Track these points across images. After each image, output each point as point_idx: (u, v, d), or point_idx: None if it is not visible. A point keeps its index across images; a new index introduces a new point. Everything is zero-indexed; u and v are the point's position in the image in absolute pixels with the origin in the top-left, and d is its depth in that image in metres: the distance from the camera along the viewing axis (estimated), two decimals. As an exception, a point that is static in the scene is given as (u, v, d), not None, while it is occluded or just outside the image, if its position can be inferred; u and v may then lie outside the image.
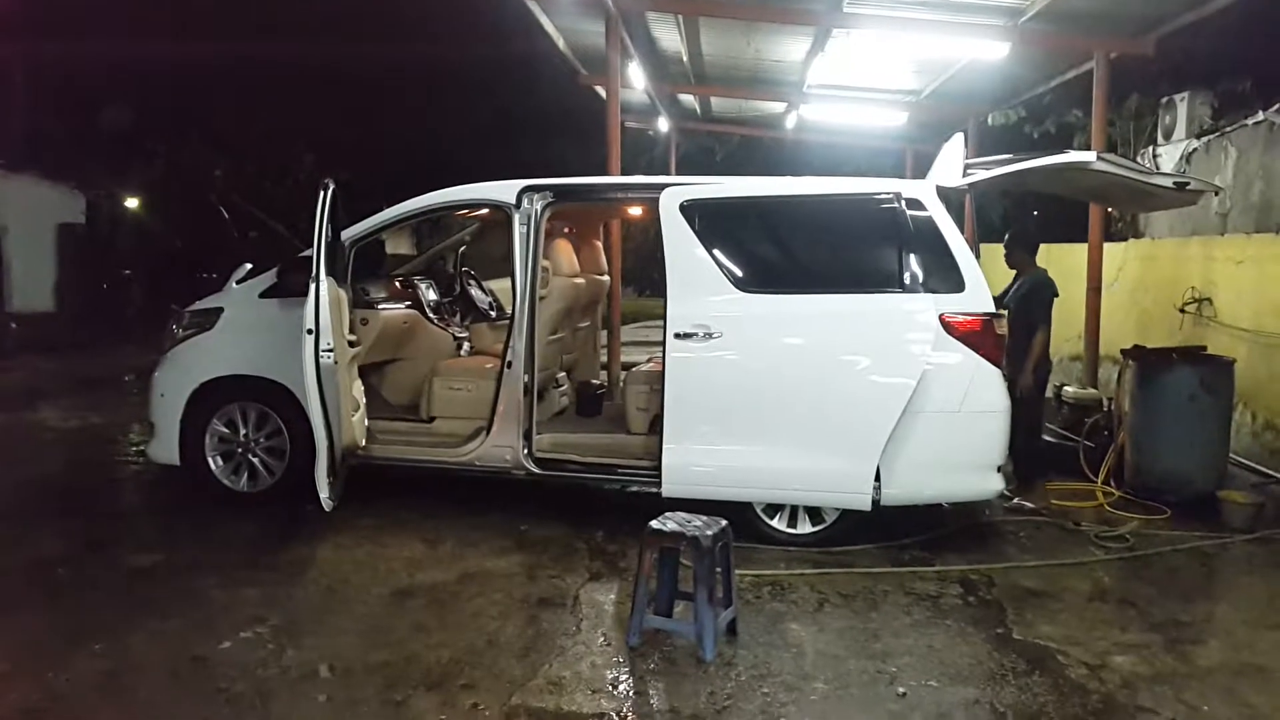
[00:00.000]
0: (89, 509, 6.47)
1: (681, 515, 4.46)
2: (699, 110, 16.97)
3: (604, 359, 9.34)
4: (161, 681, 3.94)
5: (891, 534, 5.86)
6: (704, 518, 4.43)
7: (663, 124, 16.74)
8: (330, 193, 5.49)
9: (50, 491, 6.94)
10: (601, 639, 4.40)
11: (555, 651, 4.26)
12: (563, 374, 7.29)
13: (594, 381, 7.41)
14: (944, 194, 5.72)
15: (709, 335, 5.62)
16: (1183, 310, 8.87)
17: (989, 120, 13.35)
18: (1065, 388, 8.41)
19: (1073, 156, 5.55)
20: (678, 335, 5.66)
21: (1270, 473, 7.36)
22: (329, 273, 5.48)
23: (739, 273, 5.73)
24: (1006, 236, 7.29)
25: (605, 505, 6.26)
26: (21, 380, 12.34)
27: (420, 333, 7.28)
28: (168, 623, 4.52)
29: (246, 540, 5.72)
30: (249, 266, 6.48)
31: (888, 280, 5.63)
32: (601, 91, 14.17)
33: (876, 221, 5.72)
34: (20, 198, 20.02)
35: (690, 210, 5.78)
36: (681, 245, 5.76)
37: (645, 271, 22.85)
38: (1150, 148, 11.84)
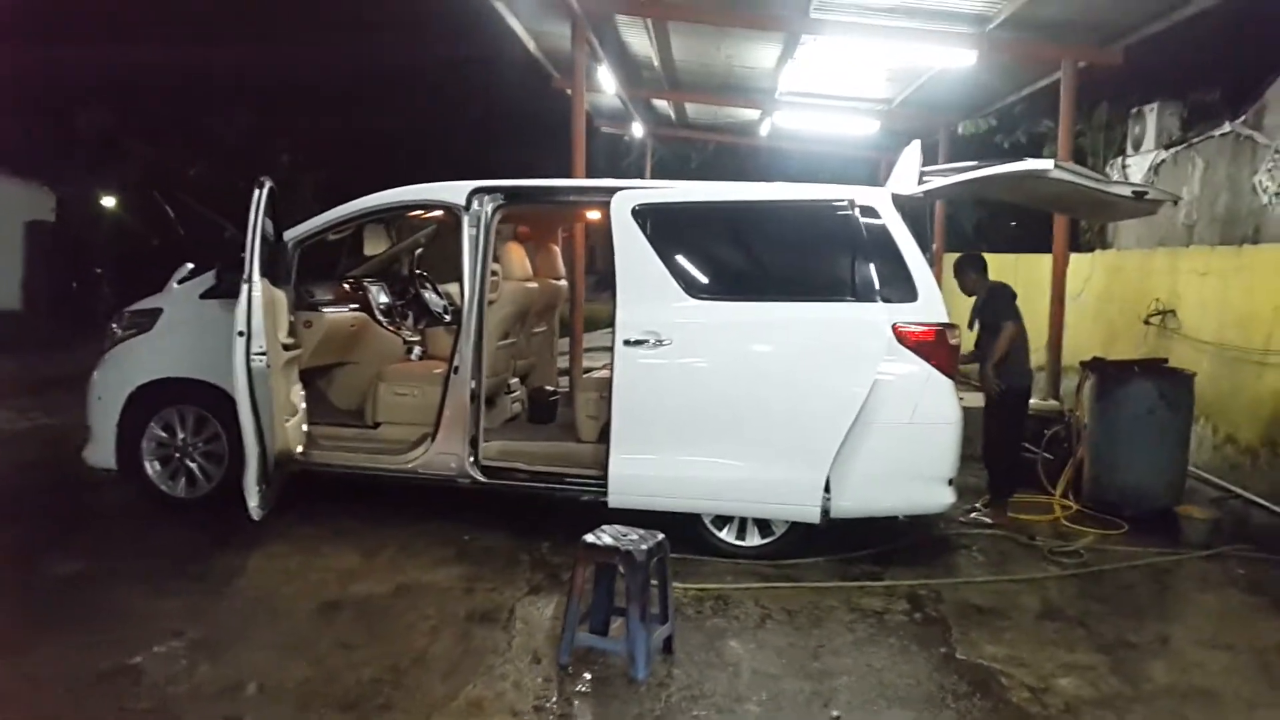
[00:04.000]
0: (21, 514, 6.28)
1: (618, 528, 4.33)
2: (674, 116, 16.86)
3: (567, 365, 9.23)
4: (59, 699, 3.77)
5: (842, 547, 5.74)
6: (641, 531, 4.30)
7: (637, 129, 16.66)
8: (265, 192, 5.32)
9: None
10: (531, 657, 4.25)
11: (482, 670, 4.11)
12: (516, 380, 7.14)
13: (547, 388, 7.26)
14: (900, 202, 5.62)
15: (659, 342, 5.50)
16: (1147, 322, 8.82)
17: (960, 129, 13.30)
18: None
19: (1030, 165, 5.44)
20: (627, 342, 5.53)
21: (1230, 487, 7.30)
22: (264, 273, 5.32)
23: (691, 279, 5.61)
24: (956, 260, 7.18)
25: (555, 515, 6.11)
26: (-24, 379, 12.07)
27: (369, 336, 7.12)
28: (80, 635, 4.34)
29: (178, 548, 5.54)
30: (190, 266, 6.30)
31: (841, 288, 5.52)
32: (571, 95, 14.12)
33: (831, 229, 5.61)
34: (-13, 195, 19.74)
35: (642, 215, 5.66)
36: (632, 250, 5.63)
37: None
38: (1119, 158, 11.82)
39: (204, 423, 6.16)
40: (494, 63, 16.56)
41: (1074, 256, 10.44)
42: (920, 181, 5.80)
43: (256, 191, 5.30)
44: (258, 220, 5.24)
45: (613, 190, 5.75)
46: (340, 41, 21.32)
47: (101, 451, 6.25)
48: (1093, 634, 4.76)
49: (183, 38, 21.19)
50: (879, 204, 5.54)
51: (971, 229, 18.04)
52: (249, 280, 5.22)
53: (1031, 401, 8.18)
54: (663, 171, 19.22)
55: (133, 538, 5.74)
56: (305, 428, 6.02)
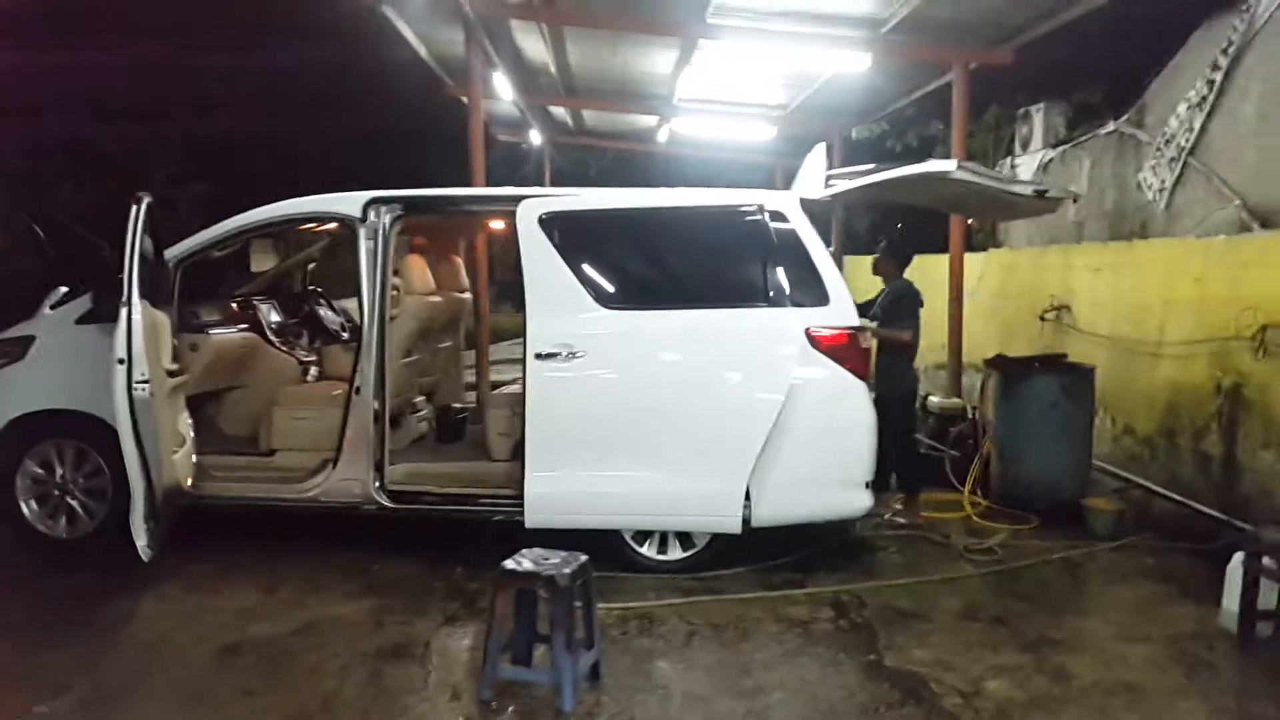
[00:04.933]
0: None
1: (539, 552, 4.14)
2: (572, 124, 16.73)
3: (473, 379, 8.97)
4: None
5: (763, 555, 5.67)
6: (562, 554, 4.12)
7: (535, 137, 16.46)
8: (144, 208, 4.96)
9: None
10: (450, 694, 4.04)
11: (397, 712, 3.88)
12: (421, 398, 6.87)
13: (455, 405, 7.01)
14: (808, 206, 5.58)
15: (572, 355, 5.33)
16: (1043, 318, 9.03)
17: (854, 134, 13.49)
18: (930, 397, 8.42)
19: (934, 166, 5.46)
20: (539, 355, 5.35)
21: (1130, 477, 7.49)
22: (144, 295, 4.95)
23: (602, 289, 5.46)
24: (881, 244, 7.20)
25: (468, 538, 5.87)
26: None
27: (260, 358, 6.75)
28: (-52, 700, 3.96)
29: (59, 594, 5.12)
30: (64, 290, 5.86)
31: (753, 294, 5.45)
32: (468, 102, 13.84)
33: (740, 234, 5.54)
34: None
35: (549, 223, 5.49)
36: (541, 260, 5.45)
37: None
38: (1009, 158, 12.14)
39: (84, 457, 5.74)
40: (386, 70, 16.10)
41: (967, 256, 10.66)
42: (826, 185, 5.78)
43: (134, 207, 4.93)
44: (136, 238, 4.88)
45: (518, 199, 5.57)
46: (225, 47, 20.53)
47: (-31, 492, 5.76)
48: (1015, 632, 4.78)
49: (55, 43, 20.08)
50: (788, 208, 5.49)
51: (864, 231, 18.35)
52: (128, 303, 4.85)
53: (935, 400, 8.35)
54: (561, 179, 19.03)
55: (10, 584, 5.30)
56: (195, 458, 5.65)
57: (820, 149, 5.90)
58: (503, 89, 11.45)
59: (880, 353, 6.56)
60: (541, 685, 3.98)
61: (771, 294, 5.41)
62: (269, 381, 6.65)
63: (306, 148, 21.76)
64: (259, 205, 5.90)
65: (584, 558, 4.11)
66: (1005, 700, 4.03)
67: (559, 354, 5.32)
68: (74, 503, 5.75)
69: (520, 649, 4.14)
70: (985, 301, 10.51)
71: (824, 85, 11.15)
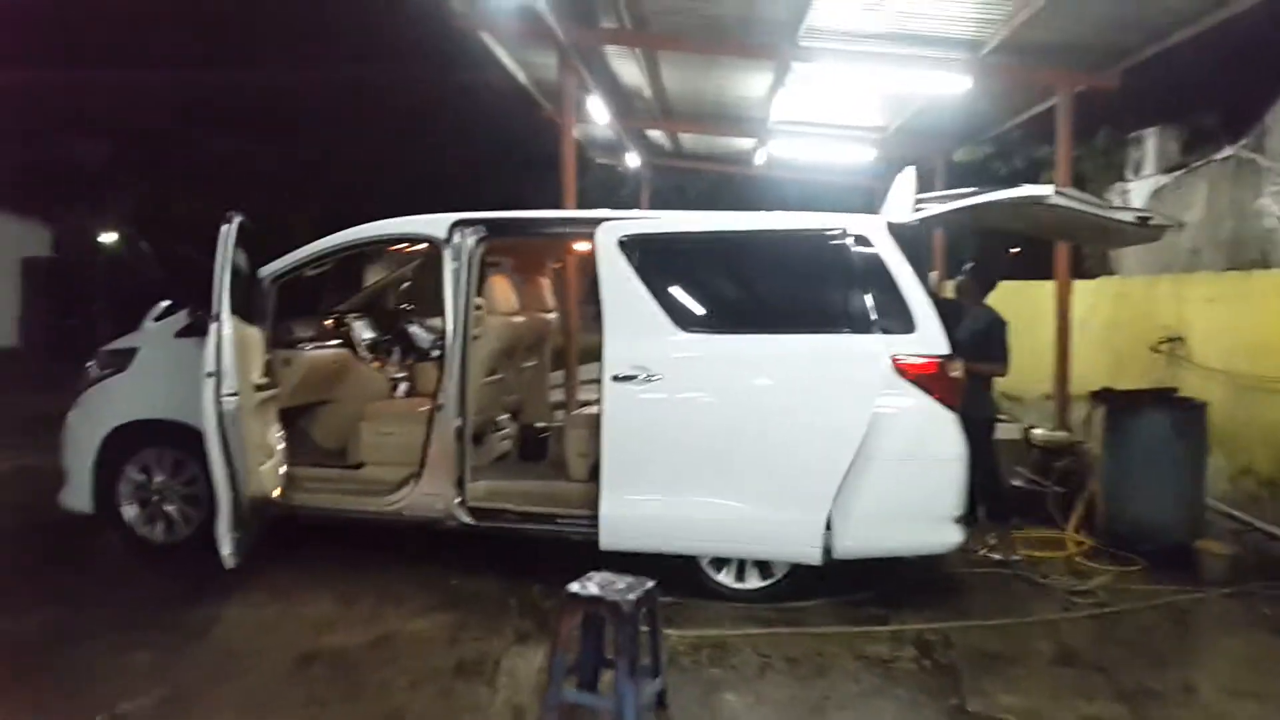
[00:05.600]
0: (-9, 562, 6.03)
1: (606, 575, 4.08)
2: (669, 146, 16.77)
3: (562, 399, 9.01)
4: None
5: (847, 588, 5.48)
6: (629, 579, 4.05)
7: (632, 160, 16.55)
8: (235, 227, 5.13)
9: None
10: (513, 715, 4.01)
11: (463, 729, 3.87)
12: (505, 417, 6.91)
13: (538, 424, 7.03)
14: (895, 230, 5.43)
15: (649, 378, 5.28)
16: (1156, 350, 8.61)
17: (957, 156, 13.17)
18: (1034, 430, 8.09)
19: (1029, 191, 5.26)
20: (616, 378, 5.32)
21: (1249, 520, 7.04)
22: (235, 311, 5.11)
23: (681, 311, 5.41)
24: (967, 266, 6.97)
25: (547, 556, 5.85)
26: (-39, 420, 11.85)
27: (351, 374, 6.91)
28: (42, 694, 4.12)
29: (151, 597, 5.30)
30: (166, 304, 6.10)
31: (835, 320, 5.31)
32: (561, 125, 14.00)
33: (823, 258, 5.42)
34: (-17, 231, 19.67)
35: (629, 246, 5.47)
36: (619, 282, 5.43)
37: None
38: (1119, 184, 11.67)
39: (182, 465, 5.94)
40: (488, 95, 16.49)
41: (1077, 283, 10.26)
42: (915, 209, 5.61)
43: (225, 227, 5.10)
44: (226, 256, 5.05)
45: (598, 221, 5.57)
46: (334, 74, 21.31)
47: (78, 495, 6.02)
48: (1112, 681, 4.51)
49: (174, 70, 21.16)
50: (873, 233, 5.35)
51: (972, 255, 17.86)
52: (218, 318, 5.01)
53: (1039, 432, 8.02)
54: (659, 202, 19.06)
55: (107, 585, 5.51)
56: (284, 470, 5.79)
57: (909, 172, 5.74)
58: (598, 113, 11.55)
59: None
60: (604, 711, 3.91)
61: (854, 319, 5.27)
62: (359, 397, 6.79)
63: (411, 169, 22.36)
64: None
65: (650, 583, 4.03)
66: (1095, 753, 3.80)
67: (636, 376, 5.28)
68: (171, 509, 5.96)
69: (586, 673, 4.08)
70: (1096, 331, 10.09)
71: (925, 107, 10.93)
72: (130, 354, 6.04)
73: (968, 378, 6.25)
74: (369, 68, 21.05)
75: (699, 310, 5.52)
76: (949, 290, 7.65)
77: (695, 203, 20.80)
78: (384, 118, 22.71)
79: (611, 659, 4.01)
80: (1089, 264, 11.95)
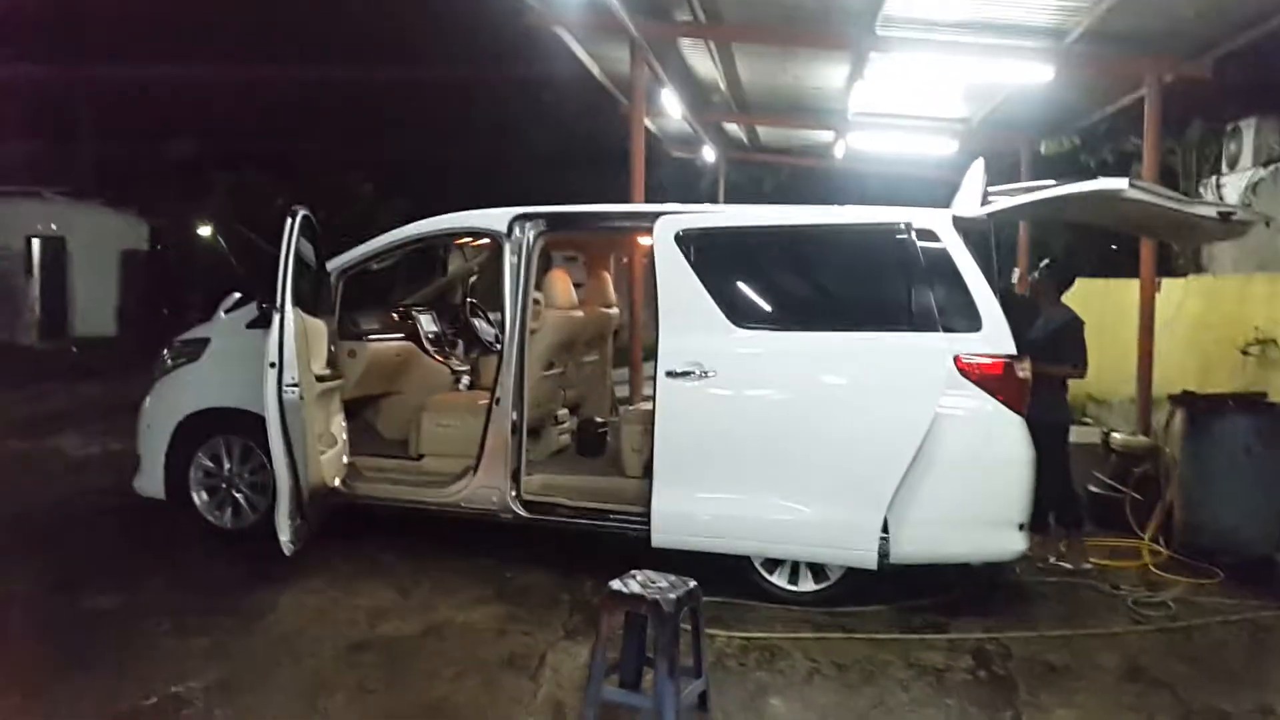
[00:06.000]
0: (68, 544, 6.27)
1: (649, 574, 4.05)
2: (746, 140, 16.63)
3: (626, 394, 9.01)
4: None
5: (906, 594, 5.36)
6: (672, 578, 4.01)
7: (709, 154, 16.46)
8: (299, 220, 5.24)
9: (35, 524, 6.74)
10: (554, 711, 4.01)
11: (501, 723, 3.89)
12: (565, 411, 6.93)
13: (597, 419, 7.03)
14: (962, 225, 5.27)
15: (704, 374, 5.23)
16: (1245, 352, 8.20)
17: (1042, 149, 12.76)
18: (1114, 434, 7.79)
19: (1102, 184, 5.05)
20: (670, 374, 5.28)
21: (1340, 533, 6.66)
22: (298, 303, 5.22)
23: (737, 307, 5.34)
24: (1044, 263, 6.72)
25: (602, 552, 5.85)
26: (62, 404, 12.39)
27: (415, 366, 7.01)
28: (102, 674, 4.26)
29: (216, 581, 5.45)
30: (237, 296, 6.27)
31: (897, 317, 5.18)
32: (647, 122, 13.97)
33: (886, 254, 5.29)
34: (84, 224, 20.57)
35: (686, 240, 5.42)
36: (676, 277, 5.39)
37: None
38: (1214, 177, 11.16)
39: (250, 453, 6.09)
40: (566, 90, 16.60)
41: (1166, 282, 9.87)
42: (985, 202, 5.44)
43: (289, 220, 5.22)
44: (290, 249, 5.16)
45: (657, 215, 5.53)
46: (417, 71, 21.69)
47: (150, 480, 6.24)
48: (1178, 699, 4.31)
49: (264, 68, 21.78)
50: (939, 227, 5.20)
51: (1062, 251, 17.29)
52: (281, 309, 5.12)
53: (1118, 436, 7.72)
54: (736, 196, 18.93)
55: (173, 570, 5.67)
56: (346, 459, 5.90)
57: (979, 165, 5.57)
58: (672, 106, 11.50)
59: (1033, 382, 6.11)
60: (645, 711, 3.88)
61: (917, 317, 5.13)
62: (423, 389, 6.88)
63: (490, 165, 22.62)
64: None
65: (693, 583, 3.99)
66: (1153, 775, 3.64)
67: (691, 372, 5.23)
68: (239, 496, 6.12)
69: (629, 671, 4.05)
70: (1183, 332, 9.67)
71: (1008, 98, 10.62)
72: (203, 344, 6.23)
73: (1042, 380, 6.06)
74: (447, 66, 21.38)
75: (756, 306, 5.46)
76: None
77: (772, 196, 20.56)
78: (465, 115, 23.04)
79: (653, 658, 3.99)
80: (1180, 262, 11.45)
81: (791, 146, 16.89)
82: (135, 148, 22.66)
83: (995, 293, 5.15)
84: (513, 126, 22.96)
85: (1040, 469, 5.84)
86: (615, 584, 3.95)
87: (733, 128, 15.53)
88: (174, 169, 22.97)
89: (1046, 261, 6.60)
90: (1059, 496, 6.26)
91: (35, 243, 19.85)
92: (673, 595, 3.85)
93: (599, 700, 3.89)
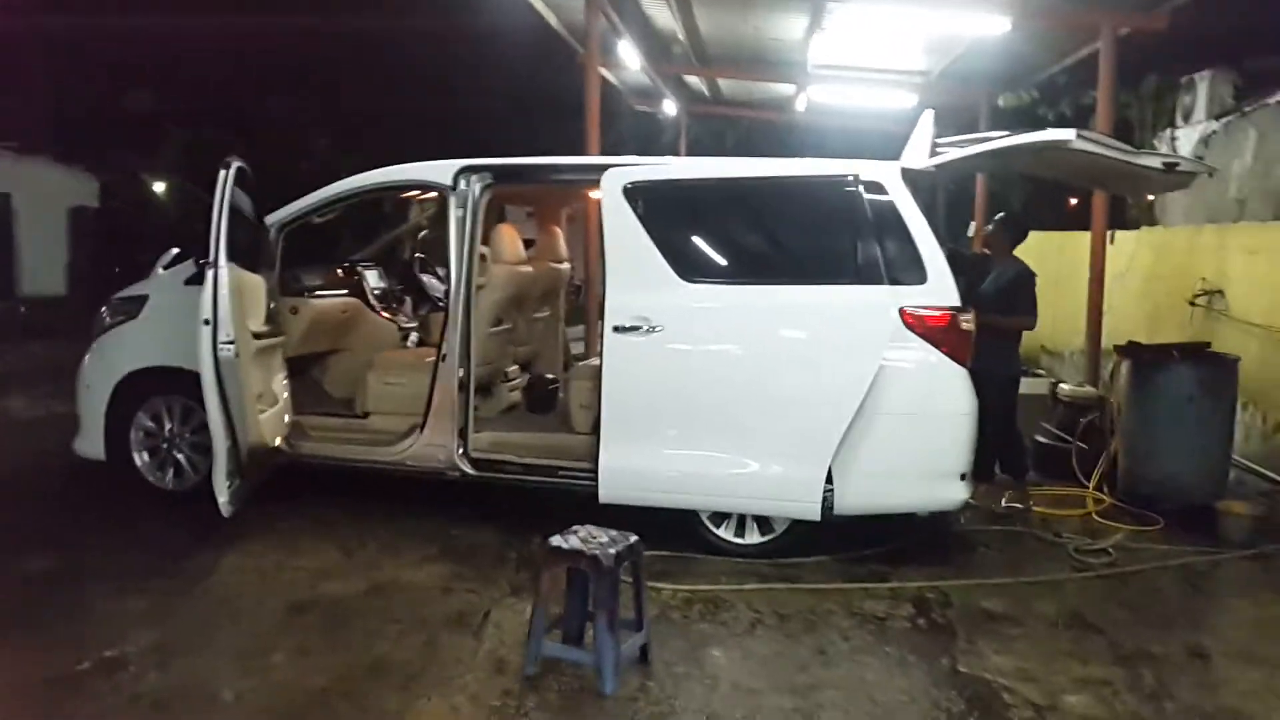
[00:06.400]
0: (7, 507, 6.14)
1: (589, 529, 4.05)
2: (708, 93, 16.47)
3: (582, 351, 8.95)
4: (-7, 709, 3.61)
5: (852, 544, 5.40)
6: (613, 533, 4.01)
7: (670, 107, 16.29)
8: (233, 172, 5.10)
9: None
10: (496, 667, 4.00)
11: (441, 681, 3.87)
12: (515, 368, 6.87)
13: (547, 376, 6.98)
14: (910, 177, 5.24)
15: (651, 329, 5.20)
16: (1193, 303, 8.30)
17: (1001, 102, 12.75)
18: (1061, 385, 7.87)
19: (1048, 135, 5.03)
20: (616, 329, 5.24)
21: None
22: (233, 257, 5.10)
23: (684, 261, 5.29)
24: (998, 216, 6.72)
25: (552, 509, 5.83)
26: (9, 365, 12.14)
27: (362, 323, 6.91)
28: (38, 637, 4.20)
29: (156, 543, 5.37)
30: (176, 251, 6.12)
31: (843, 270, 5.17)
32: (605, 73, 13.77)
33: (833, 206, 5.25)
34: (31, 180, 19.98)
35: (634, 193, 5.35)
36: (623, 231, 5.33)
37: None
38: (1169, 130, 11.21)
39: (190, 413, 5.98)
40: (520, 39, 16.32)
41: (1119, 234, 9.93)
42: (933, 154, 5.41)
43: (222, 172, 5.07)
44: (223, 203, 5.02)
45: (604, 168, 5.45)
46: (377, 23, 21.24)
47: (90, 442, 6.13)
48: (1112, 643, 4.38)
49: (216, 17, 21.22)
50: (886, 179, 5.16)
51: (1020, 205, 17.37)
52: (214, 265, 5.00)
53: (1065, 387, 7.80)
54: (698, 150, 18.81)
55: (114, 532, 5.58)
56: (288, 418, 5.82)
57: (927, 116, 5.54)
58: (630, 57, 11.33)
59: (984, 334, 6.15)
60: (586, 666, 3.89)
61: (863, 270, 5.11)
62: (370, 346, 6.79)
63: (450, 117, 22.28)
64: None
65: (634, 538, 3.99)
66: (1082, 718, 3.69)
67: (639, 327, 5.20)
68: (180, 456, 6.02)
69: (572, 627, 4.07)
70: (1135, 284, 9.76)
71: (967, 51, 10.57)
72: (141, 301, 6.09)
73: (994, 332, 6.10)
74: (406, 17, 20.97)
75: (704, 260, 5.42)
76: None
77: (734, 150, 20.44)
78: (424, 67, 22.62)
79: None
80: (1133, 214, 11.53)
81: (753, 100, 16.75)
82: (86, 102, 22.08)
83: (942, 245, 5.15)
84: (472, 78, 22.59)
85: (988, 419, 5.94)
86: (555, 539, 3.94)
87: (694, 80, 15.36)
88: (126, 123, 22.40)
89: (1000, 215, 6.59)
90: (1005, 446, 6.33)
91: (-21, 199, 19.29)
92: (612, 550, 3.84)
93: (539, 655, 3.90)
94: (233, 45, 22.19)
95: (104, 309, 6.34)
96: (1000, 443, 6.23)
